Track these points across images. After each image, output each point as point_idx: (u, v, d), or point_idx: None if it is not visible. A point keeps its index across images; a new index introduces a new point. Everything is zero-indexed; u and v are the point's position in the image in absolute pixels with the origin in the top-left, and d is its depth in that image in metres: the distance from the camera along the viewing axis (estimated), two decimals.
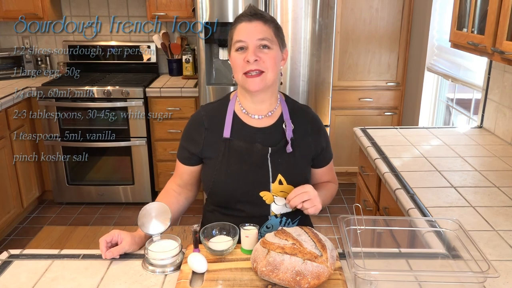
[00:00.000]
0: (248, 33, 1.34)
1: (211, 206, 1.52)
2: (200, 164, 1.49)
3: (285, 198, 1.43)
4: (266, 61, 1.34)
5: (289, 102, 1.50)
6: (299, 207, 1.32)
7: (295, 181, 1.41)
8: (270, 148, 1.40)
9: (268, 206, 1.43)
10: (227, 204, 1.45)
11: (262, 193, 1.41)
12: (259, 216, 1.42)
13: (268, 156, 1.40)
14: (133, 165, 3.52)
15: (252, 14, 1.37)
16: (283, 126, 1.44)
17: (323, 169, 1.54)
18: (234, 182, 1.41)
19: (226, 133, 1.42)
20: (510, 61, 1.57)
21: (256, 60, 1.33)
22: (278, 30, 1.40)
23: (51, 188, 3.61)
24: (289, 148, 1.41)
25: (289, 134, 1.42)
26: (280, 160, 1.41)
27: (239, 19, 1.38)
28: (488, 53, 1.68)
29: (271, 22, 1.38)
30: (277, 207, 1.43)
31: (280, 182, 1.41)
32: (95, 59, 3.82)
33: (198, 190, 1.58)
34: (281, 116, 1.46)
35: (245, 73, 1.35)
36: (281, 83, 1.53)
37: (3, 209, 3.09)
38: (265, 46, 1.35)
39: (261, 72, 1.35)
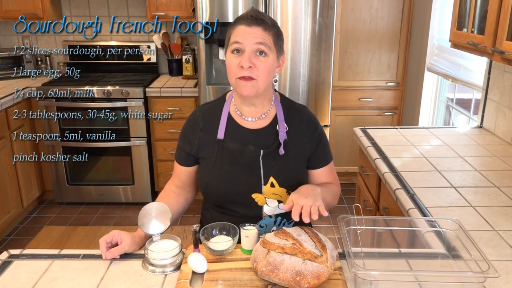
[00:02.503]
0: (246, 36, 1.31)
1: (207, 204, 1.54)
2: (197, 164, 1.49)
3: (278, 201, 1.43)
4: (260, 68, 1.32)
5: (284, 102, 1.49)
6: (311, 217, 1.20)
7: (288, 184, 1.41)
8: (262, 151, 1.40)
9: (261, 207, 1.43)
10: (220, 204, 1.46)
11: (254, 195, 1.41)
12: (252, 216, 1.42)
13: (260, 159, 1.40)
14: (133, 165, 3.52)
15: (253, 18, 1.33)
16: (277, 127, 1.43)
17: (322, 170, 1.52)
18: (226, 183, 1.41)
19: (220, 134, 1.42)
20: (510, 61, 1.57)
21: (250, 66, 1.31)
22: (278, 37, 1.37)
23: (51, 188, 3.61)
24: (281, 150, 1.40)
25: (282, 136, 1.41)
26: (273, 162, 1.41)
27: (239, 20, 1.35)
28: (488, 53, 1.68)
29: (272, 28, 1.34)
30: (269, 208, 1.43)
31: (272, 185, 1.41)
32: (95, 59, 3.82)
33: (197, 190, 1.59)
34: (276, 117, 1.45)
35: (238, 79, 1.33)
36: (275, 90, 1.53)
37: (3, 209, 3.09)
38: (261, 53, 1.32)
39: (253, 79, 1.33)
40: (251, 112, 1.44)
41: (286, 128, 1.43)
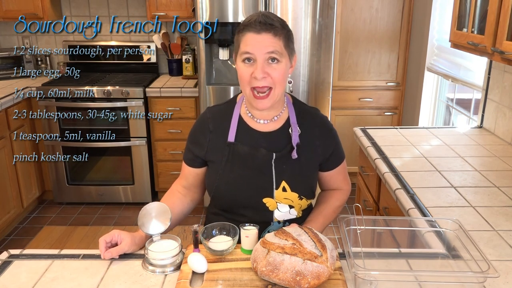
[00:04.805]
0: (256, 45, 1.27)
1: (214, 208, 1.50)
2: (205, 166, 1.47)
3: (289, 206, 1.41)
4: (274, 77, 1.29)
5: (297, 105, 1.45)
6: None
7: (300, 188, 1.39)
8: (274, 154, 1.37)
9: (271, 212, 1.41)
10: (229, 208, 1.44)
11: (265, 200, 1.39)
12: (261, 221, 1.39)
13: (272, 162, 1.37)
14: (133, 165, 3.52)
15: (262, 23, 1.28)
16: (289, 130, 1.40)
17: (334, 171, 1.50)
18: (237, 187, 1.39)
19: (231, 137, 1.39)
20: (510, 61, 1.57)
21: (264, 77, 1.28)
22: (288, 40, 1.33)
23: (51, 188, 3.61)
24: (294, 155, 1.37)
25: (295, 140, 1.38)
26: (285, 166, 1.38)
27: (247, 27, 1.29)
28: (488, 53, 1.68)
29: (282, 31, 1.30)
30: (280, 213, 1.41)
31: (284, 189, 1.38)
32: (95, 59, 3.82)
33: (204, 191, 1.56)
34: (288, 120, 1.42)
35: (252, 89, 1.31)
36: (291, 91, 1.49)
37: (3, 209, 3.09)
38: (273, 60, 1.29)
39: (269, 88, 1.30)
40: (263, 115, 1.41)
41: (299, 131, 1.40)
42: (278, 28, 1.30)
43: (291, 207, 1.41)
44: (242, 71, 1.31)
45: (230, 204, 1.43)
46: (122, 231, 1.28)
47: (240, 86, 1.35)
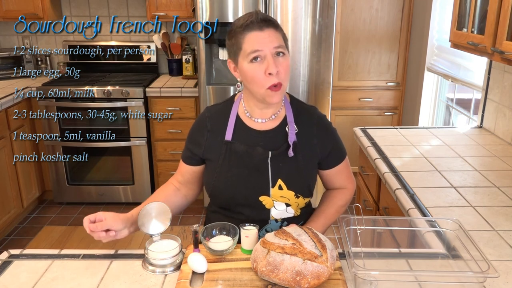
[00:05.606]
0: (263, 42, 1.27)
1: (213, 206, 1.52)
2: (202, 164, 1.48)
3: (286, 204, 1.41)
4: (282, 71, 1.29)
5: (294, 103, 1.46)
6: None
7: (296, 187, 1.39)
8: (270, 152, 1.37)
9: (268, 210, 1.41)
10: (227, 206, 1.45)
11: (261, 198, 1.39)
12: (259, 220, 1.40)
13: (268, 161, 1.38)
14: (133, 165, 3.52)
15: (262, 20, 1.29)
16: (286, 129, 1.41)
17: (335, 170, 1.49)
18: (233, 185, 1.39)
19: (228, 135, 1.40)
20: (510, 61, 1.57)
21: (277, 71, 1.27)
22: (284, 35, 1.36)
23: (51, 188, 3.61)
24: (290, 153, 1.37)
25: (291, 138, 1.39)
26: (281, 164, 1.38)
27: (248, 27, 1.29)
28: (488, 53, 1.68)
29: (280, 28, 1.33)
30: (277, 212, 1.42)
31: (280, 187, 1.38)
32: (95, 59, 3.82)
33: (199, 190, 1.57)
34: (285, 118, 1.42)
35: (269, 88, 1.29)
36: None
37: (3, 209, 3.09)
38: (279, 54, 1.29)
39: (281, 84, 1.30)
40: (263, 113, 1.41)
41: (296, 129, 1.40)
42: (276, 24, 1.34)
43: (287, 205, 1.42)
44: (254, 71, 1.29)
45: (228, 202, 1.43)
46: (106, 212, 1.29)
47: (253, 87, 1.32)
